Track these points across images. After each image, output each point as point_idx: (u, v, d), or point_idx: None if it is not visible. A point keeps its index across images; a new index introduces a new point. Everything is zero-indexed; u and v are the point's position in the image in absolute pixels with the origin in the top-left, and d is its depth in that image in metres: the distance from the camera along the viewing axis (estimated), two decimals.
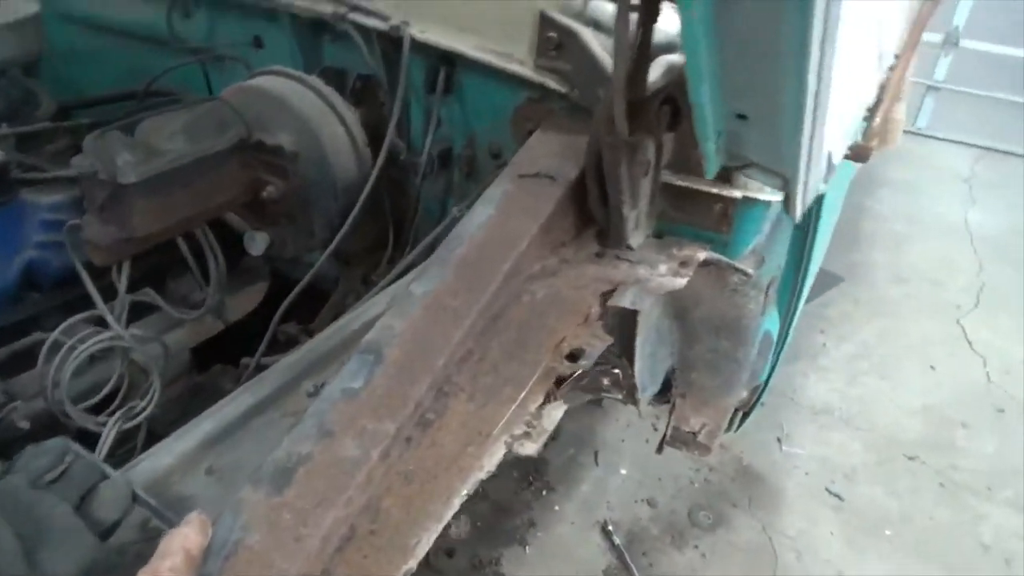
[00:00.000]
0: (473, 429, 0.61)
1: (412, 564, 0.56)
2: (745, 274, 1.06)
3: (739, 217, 1.04)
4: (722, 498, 2.28)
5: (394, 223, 1.21)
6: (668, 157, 0.98)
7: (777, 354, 1.59)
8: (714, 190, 1.01)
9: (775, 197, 1.02)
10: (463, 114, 1.18)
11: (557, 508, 2.22)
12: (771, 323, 1.47)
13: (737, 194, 1.01)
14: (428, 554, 1.67)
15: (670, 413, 1.61)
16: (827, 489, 2.30)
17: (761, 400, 1.71)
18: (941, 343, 2.88)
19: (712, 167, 0.77)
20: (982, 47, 4.93)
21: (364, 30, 1.11)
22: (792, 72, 0.54)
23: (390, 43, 1.11)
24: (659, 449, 1.67)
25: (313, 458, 0.55)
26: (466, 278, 0.73)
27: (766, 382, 1.64)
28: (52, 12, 1.45)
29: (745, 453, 2.44)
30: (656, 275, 0.98)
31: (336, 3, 1.10)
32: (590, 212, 0.97)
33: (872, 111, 1.46)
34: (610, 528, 2.14)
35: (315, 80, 1.08)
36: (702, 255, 1.02)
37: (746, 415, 1.72)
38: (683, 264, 1.00)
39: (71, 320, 0.92)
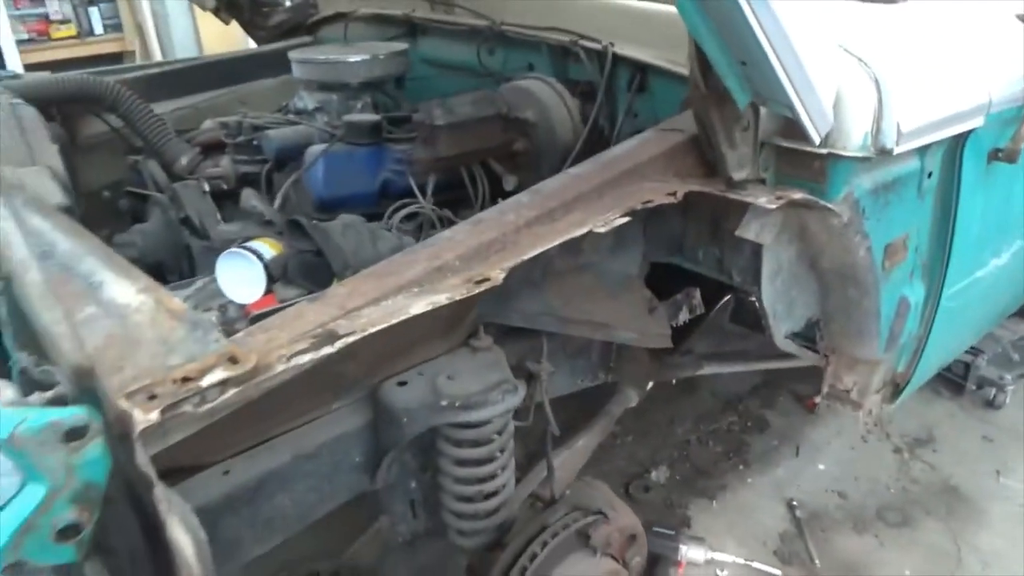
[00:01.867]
0: (574, 222, 1.15)
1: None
2: (836, 214, 1.42)
3: (831, 169, 1.43)
4: (917, 506, 2.39)
5: None
6: (779, 126, 1.41)
7: (928, 325, 1.81)
8: (808, 148, 1.42)
9: (858, 154, 1.40)
10: (652, 106, 1.72)
11: (750, 480, 2.52)
12: (911, 290, 1.74)
13: (824, 151, 1.41)
14: (628, 485, 2.19)
15: (824, 369, 1.93)
16: None
17: (917, 377, 1.92)
18: None
19: (741, 100, 1.21)
20: None
21: (587, 50, 1.72)
22: (745, 26, 1.01)
23: (603, 58, 1.70)
24: (813, 407, 1.97)
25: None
26: (598, 166, 1.27)
27: (918, 352, 1.86)
28: (419, 57, 2.30)
29: (956, 477, 2.51)
30: (754, 200, 1.40)
31: (571, 34, 1.74)
32: None
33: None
34: (795, 503, 2.39)
35: (552, 80, 1.72)
36: (797, 194, 1.42)
37: (902, 388, 1.95)
38: (779, 198, 1.42)
39: (405, 209, 1.63)
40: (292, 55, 1.89)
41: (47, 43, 3.99)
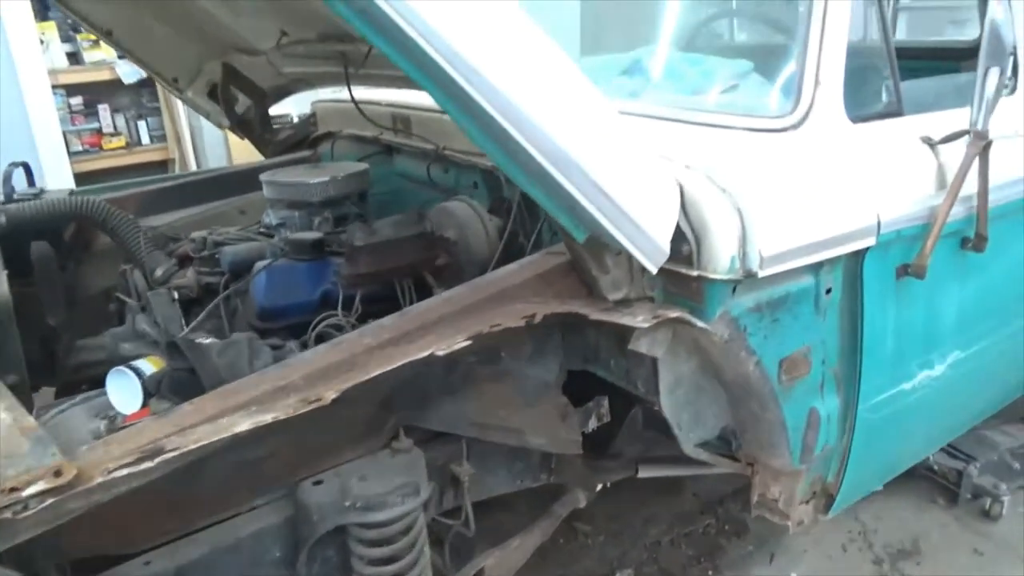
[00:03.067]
0: (425, 345, 1.27)
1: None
2: (708, 332, 1.50)
3: (706, 290, 1.51)
4: None
5: None
6: None
7: (846, 432, 1.82)
8: (682, 270, 1.52)
9: (726, 277, 1.49)
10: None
11: None
12: (819, 402, 1.77)
13: (695, 272, 1.50)
14: None
15: (752, 479, 1.95)
16: None
17: (849, 488, 1.91)
18: None
19: (579, 236, 1.33)
20: None
21: None
22: (556, 186, 1.14)
23: None
24: (749, 512, 1.99)
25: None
26: (469, 289, 1.40)
27: (841, 463, 1.87)
28: (394, 171, 2.52)
29: None
30: (630, 319, 1.49)
31: None
32: None
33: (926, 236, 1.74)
34: None
35: (473, 202, 1.88)
36: (673, 314, 1.51)
37: (833, 499, 1.94)
38: (655, 317, 1.51)
39: (329, 319, 1.80)
40: (262, 176, 2.12)
41: (99, 153, 4.49)
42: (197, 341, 1.37)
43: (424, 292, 1.90)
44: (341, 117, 2.59)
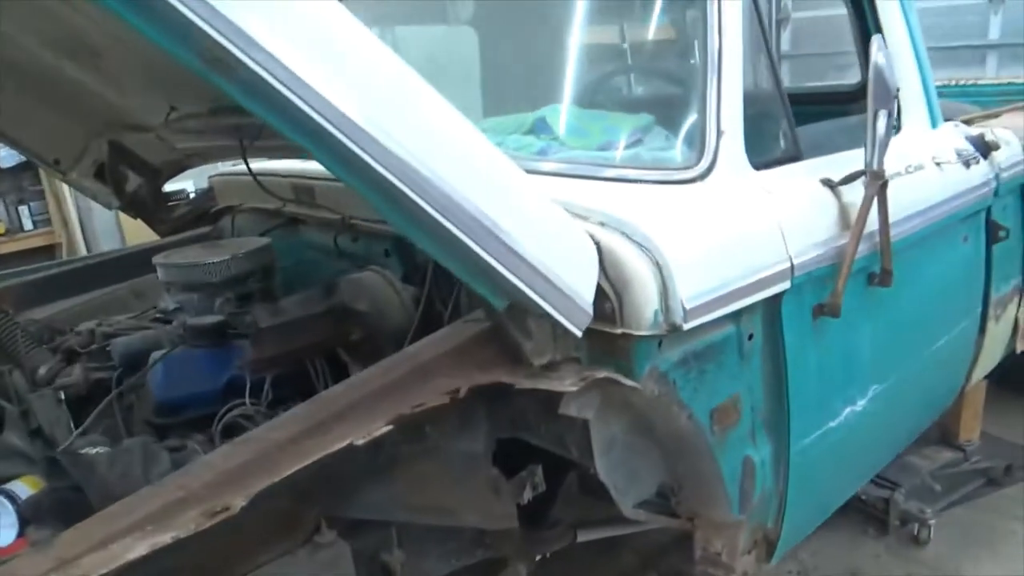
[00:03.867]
0: (342, 434, 1.17)
1: None
2: (636, 390, 1.46)
3: (632, 348, 1.47)
4: None
5: None
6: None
7: (780, 477, 1.81)
8: (607, 329, 1.48)
9: (651, 332, 1.46)
10: None
11: None
12: (752, 449, 1.75)
13: (619, 330, 1.46)
14: None
15: (694, 534, 1.90)
16: None
17: (790, 533, 1.89)
18: None
19: (498, 304, 1.28)
20: None
21: None
22: (465, 251, 1.09)
23: None
24: (692, 564, 1.94)
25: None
26: (383, 368, 1.32)
27: (777, 511, 1.85)
28: (303, 242, 2.41)
29: None
30: (557, 383, 1.43)
31: None
32: None
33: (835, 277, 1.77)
34: None
35: (385, 271, 1.80)
36: (601, 373, 1.46)
37: (775, 545, 1.91)
38: (582, 379, 1.45)
39: (239, 408, 1.67)
40: (155, 259, 1.99)
41: None
42: (82, 452, 1.22)
43: (339, 369, 1.80)
44: (240, 190, 2.48)
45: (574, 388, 1.41)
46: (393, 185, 1.02)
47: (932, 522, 2.72)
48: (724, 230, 1.60)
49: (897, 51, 2.24)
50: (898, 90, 1.80)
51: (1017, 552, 2.71)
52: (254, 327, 1.63)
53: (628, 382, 1.46)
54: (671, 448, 1.69)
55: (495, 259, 1.13)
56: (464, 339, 1.44)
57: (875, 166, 1.73)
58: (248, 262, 1.96)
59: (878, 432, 2.14)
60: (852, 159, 1.84)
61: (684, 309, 1.44)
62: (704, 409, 1.61)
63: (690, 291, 1.46)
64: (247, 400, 1.60)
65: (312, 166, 2.18)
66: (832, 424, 1.90)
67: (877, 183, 1.73)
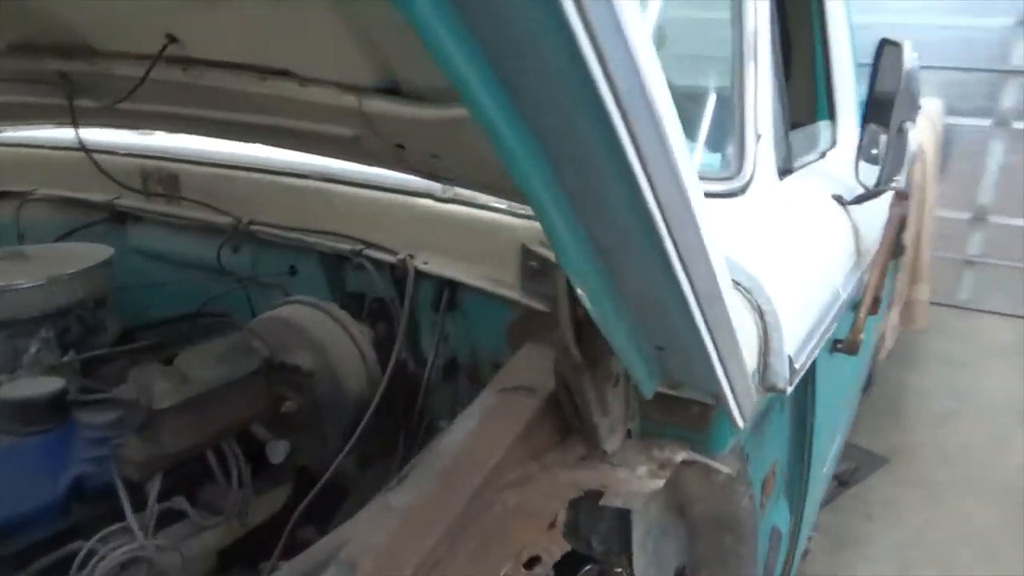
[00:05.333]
0: None
1: None
2: (724, 473, 1.11)
3: (715, 418, 1.12)
4: None
5: (406, 430, 1.32)
6: None
7: (794, 546, 1.58)
8: (686, 395, 1.10)
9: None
10: (466, 328, 1.32)
11: None
12: (779, 517, 1.48)
13: (710, 399, 1.09)
14: None
15: None
16: None
17: None
18: (1003, 532, 2.74)
19: (647, 389, 0.87)
20: (1012, 221, 5.04)
21: (377, 262, 1.29)
22: (682, 322, 0.66)
23: (398, 271, 1.29)
24: None
25: None
26: (441, 490, 0.82)
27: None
28: (130, 248, 1.70)
29: None
30: (634, 476, 1.05)
31: (353, 241, 1.30)
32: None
33: (856, 307, 1.56)
34: None
35: (330, 306, 1.25)
36: (680, 455, 1.08)
37: None
38: (662, 466, 1.07)
39: (107, 530, 1.03)
40: None
41: None
42: None
43: (257, 450, 1.22)
44: (34, 169, 1.70)
45: (661, 481, 1.03)
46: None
47: (812, 534, 2.72)
48: (798, 257, 1.30)
49: (841, 55, 2.11)
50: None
51: (879, 554, 2.79)
52: (139, 409, 1.00)
53: (716, 465, 1.10)
54: (704, 529, 1.36)
55: (708, 331, 0.70)
56: (524, 423, 0.98)
57: (902, 184, 1.53)
58: (79, 288, 1.28)
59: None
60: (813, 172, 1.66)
61: (792, 368, 1.11)
62: (758, 482, 1.31)
63: (794, 343, 1.13)
64: (129, 516, 0.98)
65: (172, 143, 1.51)
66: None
67: (904, 204, 1.53)
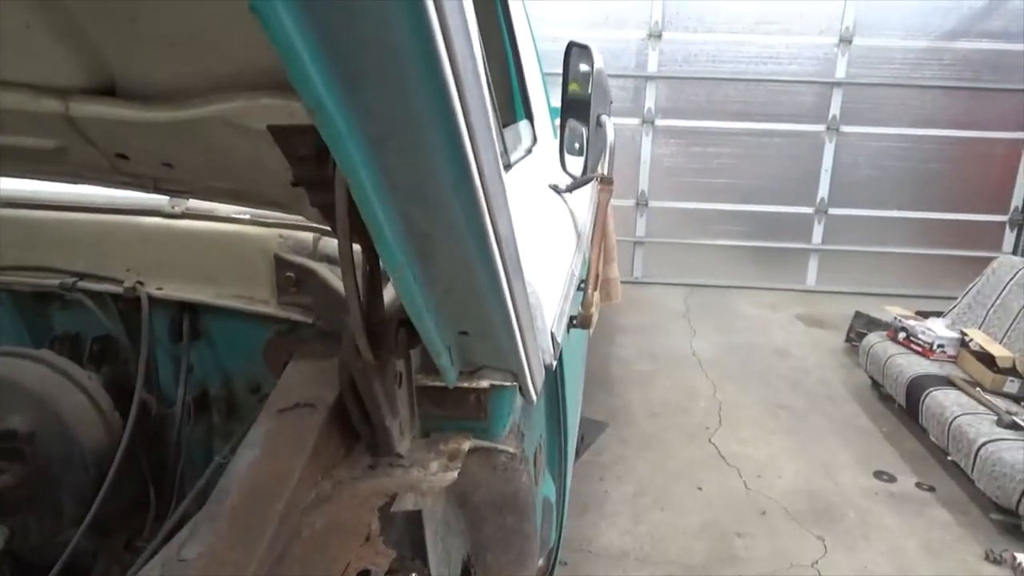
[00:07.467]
0: None
1: None
2: (509, 453, 1.15)
3: (492, 403, 1.14)
4: None
5: (156, 479, 1.16)
6: (418, 363, 1.08)
7: (560, 514, 1.68)
8: (465, 384, 1.12)
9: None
10: (214, 356, 1.20)
11: None
12: (547, 489, 1.57)
13: (485, 384, 1.12)
14: None
15: None
16: None
17: (560, 560, 1.78)
18: (702, 463, 3.19)
19: (450, 377, 0.87)
20: (665, 204, 5.90)
21: (96, 295, 1.11)
22: (495, 303, 0.67)
23: (126, 302, 1.12)
24: None
25: None
26: (240, 529, 0.74)
27: (557, 543, 1.72)
28: None
29: None
30: (428, 475, 1.04)
31: (62, 274, 1.10)
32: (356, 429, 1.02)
33: (584, 285, 1.71)
34: None
35: (44, 352, 1.05)
36: (467, 445, 1.09)
37: None
38: (451, 458, 1.07)
39: None
40: None
41: None
42: None
43: None
44: None
45: (454, 473, 1.04)
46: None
47: None
48: (536, 243, 1.38)
49: (529, 61, 2.29)
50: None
51: (616, 509, 3.09)
52: None
53: (503, 447, 1.13)
54: (486, 513, 1.39)
55: (514, 313, 0.70)
56: (312, 442, 0.91)
57: (607, 171, 1.70)
58: None
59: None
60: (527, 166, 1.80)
61: (555, 344, 1.18)
62: (530, 458, 1.37)
63: (551, 320, 1.20)
64: None
65: None
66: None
67: (610, 188, 1.71)
